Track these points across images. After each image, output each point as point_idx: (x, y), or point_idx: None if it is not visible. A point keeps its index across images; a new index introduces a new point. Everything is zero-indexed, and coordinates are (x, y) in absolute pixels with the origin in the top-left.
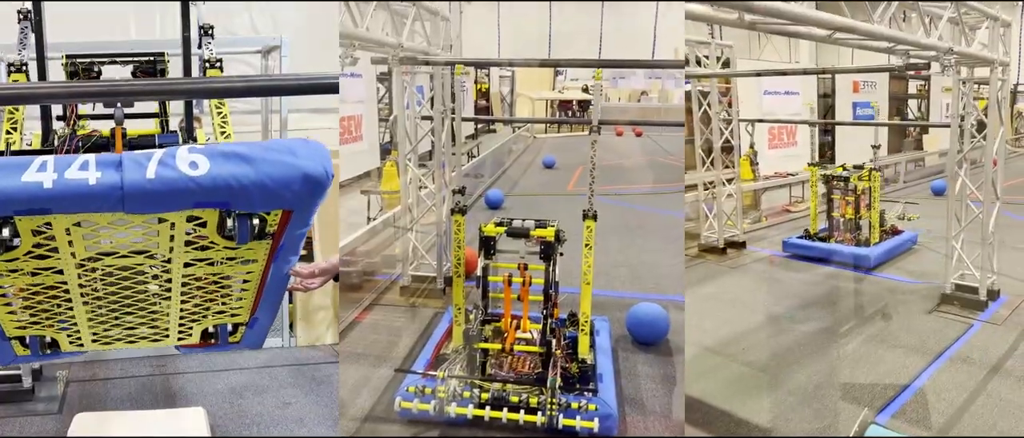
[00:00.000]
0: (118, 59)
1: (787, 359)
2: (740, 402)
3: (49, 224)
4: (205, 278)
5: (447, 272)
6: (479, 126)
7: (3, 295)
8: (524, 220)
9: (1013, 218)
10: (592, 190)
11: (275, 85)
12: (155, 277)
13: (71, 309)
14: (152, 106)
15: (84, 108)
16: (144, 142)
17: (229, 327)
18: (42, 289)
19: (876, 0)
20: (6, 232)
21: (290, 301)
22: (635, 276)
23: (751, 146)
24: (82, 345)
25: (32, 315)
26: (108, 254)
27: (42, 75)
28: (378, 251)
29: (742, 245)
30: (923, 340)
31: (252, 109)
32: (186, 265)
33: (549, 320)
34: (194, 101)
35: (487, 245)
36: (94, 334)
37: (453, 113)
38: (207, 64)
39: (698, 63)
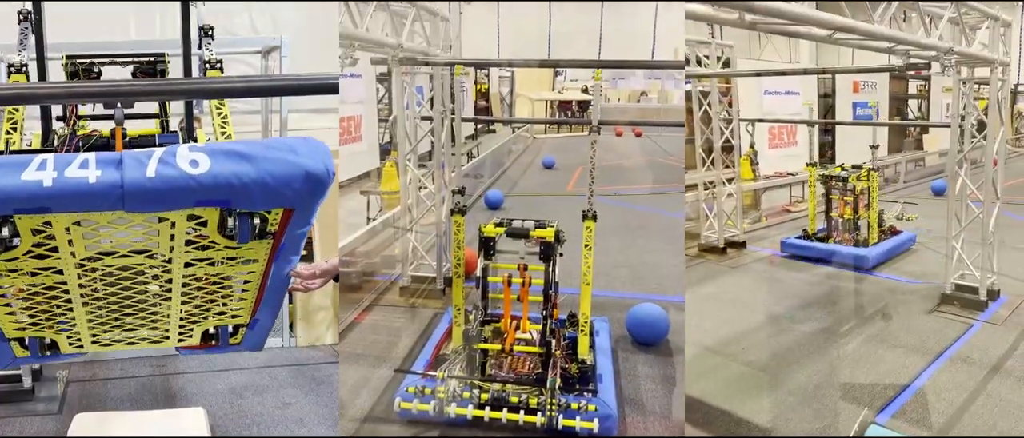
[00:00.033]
0: (118, 59)
1: (787, 359)
2: (740, 402)
3: (49, 223)
4: (205, 278)
5: (447, 272)
6: (479, 126)
7: (2, 296)
8: (524, 220)
9: (1013, 218)
10: (592, 190)
11: (275, 85)
12: (155, 277)
13: (71, 310)
14: (152, 107)
15: (84, 109)
16: (144, 142)
17: (230, 328)
18: (42, 289)
19: (876, 0)
20: (6, 231)
21: (290, 301)
22: (635, 276)
23: (751, 146)
24: (82, 347)
25: (31, 316)
26: (108, 254)
27: (42, 75)
28: (378, 251)
29: (742, 245)
30: (923, 340)
31: (252, 109)
32: (186, 265)
33: (549, 321)
34: (194, 101)
35: (487, 245)
36: (94, 336)
37: (453, 113)
38: (207, 65)
39: (698, 63)
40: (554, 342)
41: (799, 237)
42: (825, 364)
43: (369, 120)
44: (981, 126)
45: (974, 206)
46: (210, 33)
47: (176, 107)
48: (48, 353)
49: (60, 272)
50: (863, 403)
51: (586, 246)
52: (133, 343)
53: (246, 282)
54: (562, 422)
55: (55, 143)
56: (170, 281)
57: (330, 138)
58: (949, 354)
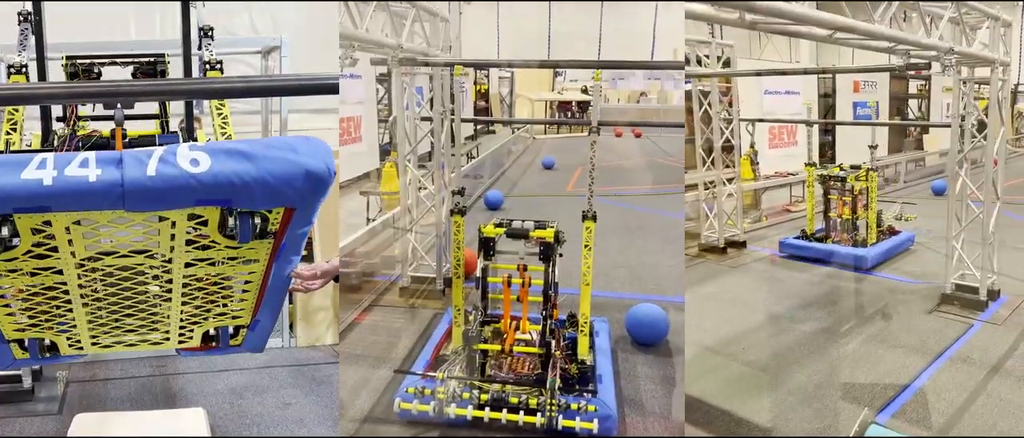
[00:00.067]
0: (118, 60)
1: (787, 359)
2: (740, 402)
3: (49, 223)
4: (206, 279)
5: (446, 273)
6: (478, 127)
7: (1, 297)
8: (523, 221)
9: (1013, 218)
10: (591, 191)
11: (275, 86)
12: (155, 278)
13: (70, 311)
14: (152, 107)
15: (84, 109)
16: (144, 143)
17: (230, 329)
18: (41, 290)
19: (877, 0)
20: (5, 231)
21: (290, 301)
22: (634, 277)
23: (751, 146)
24: (81, 349)
25: (31, 317)
26: (108, 254)
27: (42, 76)
28: (377, 252)
29: (742, 245)
30: (923, 340)
31: (252, 109)
32: (187, 265)
33: (548, 321)
34: (194, 102)
35: (486, 246)
36: (94, 337)
37: (452, 114)
38: (207, 65)
39: (699, 62)
40: (554, 343)
41: (797, 237)
42: (825, 364)
43: (369, 121)
44: (981, 126)
45: (974, 206)
46: (210, 34)
47: (176, 108)
48: (47, 355)
49: (60, 272)
50: (863, 403)
51: (586, 247)
52: (133, 345)
53: (247, 283)
54: (562, 423)
55: (55, 143)
56: (170, 282)
57: (330, 138)
58: (949, 354)
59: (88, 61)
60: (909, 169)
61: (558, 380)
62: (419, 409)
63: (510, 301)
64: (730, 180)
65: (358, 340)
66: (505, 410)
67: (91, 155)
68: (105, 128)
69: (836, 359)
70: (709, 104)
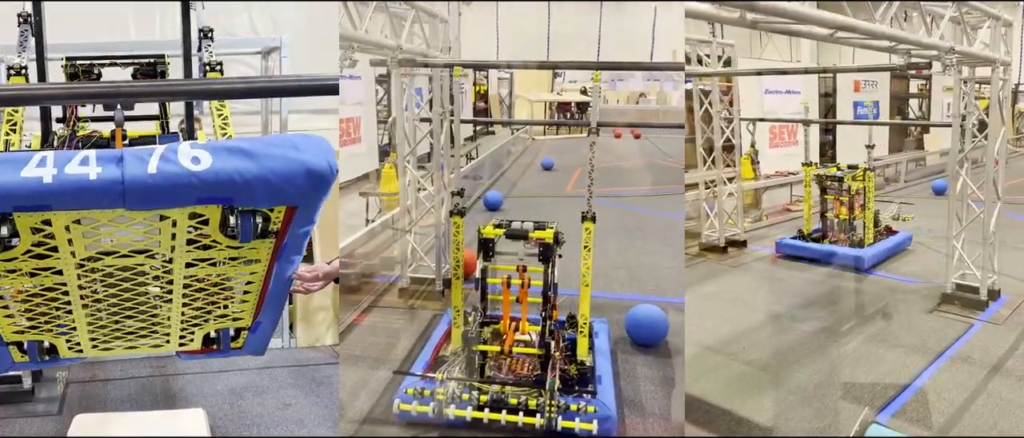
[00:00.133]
0: (118, 61)
1: (788, 358)
2: (741, 401)
3: (48, 222)
4: (207, 280)
5: (446, 274)
6: (478, 128)
7: (0, 298)
8: (523, 222)
9: (1014, 218)
10: (591, 192)
11: (275, 86)
12: (156, 278)
13: (70, 313)
14: (152, 108)
15: (84, 110)
16: (144, 143)
17: (231, 332)
18: (41, 291)
19: (878, 0)
20: (5, 230)
21: (290, 302)
22: (634, 278)
23: (752, 145)
24: (81, 351)
25: (30, 319)
26: (108, 254)
27: (42, 76)
28: (377, 253)
29: (743, 244)
30: (924, 339)
31: (252, 110)
32: (188, 265)
33: (548, 322)
34: (194, 103)
35: (486, 247)
36: (93, 339)
37: (452, 115)
38: (207, 67)
39: (699, 62)
40: (553, 344)
41: (794, 237)
42: (826, 363)
43: (368, 122)
44: (982, 126)
45: (975, 206)
46: (210, 35)
47: (176, 108)
48: (47, 358)
49: (60, 273)
50: (864, 402)
51: (585, 248)
52: (133, 347)
53: (248, 284)
54: (561, 423)
55: (55, 144)
56: (171, 282)
57: (330, 139)
58: (950, 354)
59: (88, 62)
60: (910, 169)
61: (557, 381)
62: (418, 410)
63: (509, 302)
64: (731, 179)
65: (358, 341)
66: (504, 411)
67: (91, 153)
68: (105, 129)
69: (837, 358)
70: (710, 103)
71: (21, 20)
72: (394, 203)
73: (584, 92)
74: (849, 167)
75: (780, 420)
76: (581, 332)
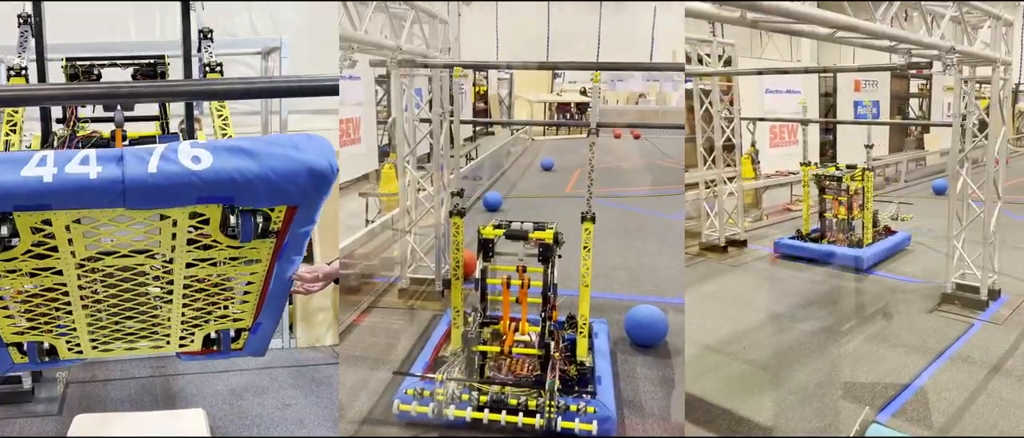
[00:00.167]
0: (118, 62)
1: (788, 357)
2: (741, 400)
3: (48, 222)
4: (207, 280)
5: (446, 274)
6: (477, 128)
7: (0, 299)
8: (522, 222)
9: (1014, 218)
10: (590, 192)
11: (275, 87)
12: (156, 278)
13: (70, 313)
14: (152, 108)
15: (84, 111)
16: (144, 143)
17: (231, 333)
18: (41, 291)
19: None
20: (4, 230)
21: (290, 302)
22: (633, 278)
23: (752, 144)
24: (81, 352)
25: (30, 320)
26: (108, 254)
27: (42, 77)
28: (376, 253)
29: (743, 243)
30: (924, 339)
31: (252, 110)
32: (188, 266)
33: (548, 322)
34: (194, 103)
35: (486, 247)
36: (93, 340)
37: (451, 115)
38: (207, 68)
39: (700, 61)
40: (553, 344)
41: (792, 237)
42: (826, 363)
43: (368, 122)
44: (982, 125)
45: (975, 205)
46: (209, 36)
47: (176, 109)
48: (46, 359)
49: (59, 273)
50: (864, 402)
51: (585, 248)
52: (133, 348)
53: (248, 284)
54: (561, 424)
55: (55, 145)
56: (171, 283)
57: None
58: (950, 353)
59: (88, 63)
60: (910, 168)
61: (557, 381)
62: (418, 411)
63: (509, 302)
64: (731, 179)
65: (358, 341)
66: (504, 412)
67: (91, 152)
68: (105, 129)
69: (837, 358)
70: (710, 103)
71: (21, 20)
72: (394, 204)
73: (584, 92)
74: (847, 167)
75: (780, 420)
76: (581, 332)
